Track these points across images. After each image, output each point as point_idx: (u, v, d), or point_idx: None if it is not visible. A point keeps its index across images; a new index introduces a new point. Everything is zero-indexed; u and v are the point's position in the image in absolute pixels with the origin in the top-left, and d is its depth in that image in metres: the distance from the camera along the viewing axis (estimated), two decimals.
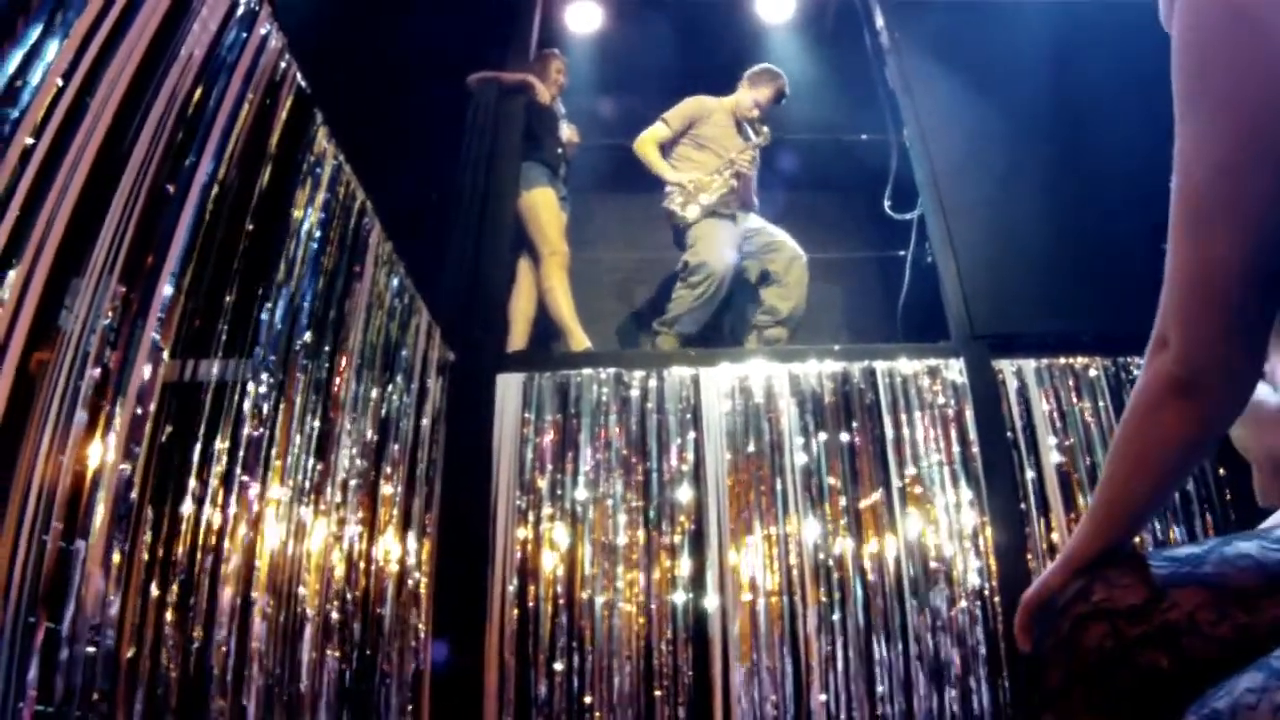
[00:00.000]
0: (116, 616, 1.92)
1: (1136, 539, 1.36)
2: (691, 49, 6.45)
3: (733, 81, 6.15)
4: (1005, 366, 4.45)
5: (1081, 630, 1.19)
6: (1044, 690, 1.21)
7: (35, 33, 1.69)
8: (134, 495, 1.99)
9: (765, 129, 5.89)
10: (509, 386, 4.52)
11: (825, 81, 6.47)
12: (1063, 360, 4.46)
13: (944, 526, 4.15)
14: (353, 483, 3.28)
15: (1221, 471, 4.19)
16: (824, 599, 4.05)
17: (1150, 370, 1.18)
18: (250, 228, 2.59)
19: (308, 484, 2.95)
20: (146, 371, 2.04)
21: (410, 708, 3.63)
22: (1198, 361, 1.13)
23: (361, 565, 3.33)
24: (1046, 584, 1.31)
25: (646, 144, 5.82)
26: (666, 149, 5.84)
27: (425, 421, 4.03)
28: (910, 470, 4.26)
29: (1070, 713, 1.17)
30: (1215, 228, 1.11)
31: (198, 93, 2.26)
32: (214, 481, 2.45)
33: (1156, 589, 1.17)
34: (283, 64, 2.73)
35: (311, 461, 2.98)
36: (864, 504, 4.22)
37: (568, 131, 5.88)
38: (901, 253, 5.70)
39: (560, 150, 5.75)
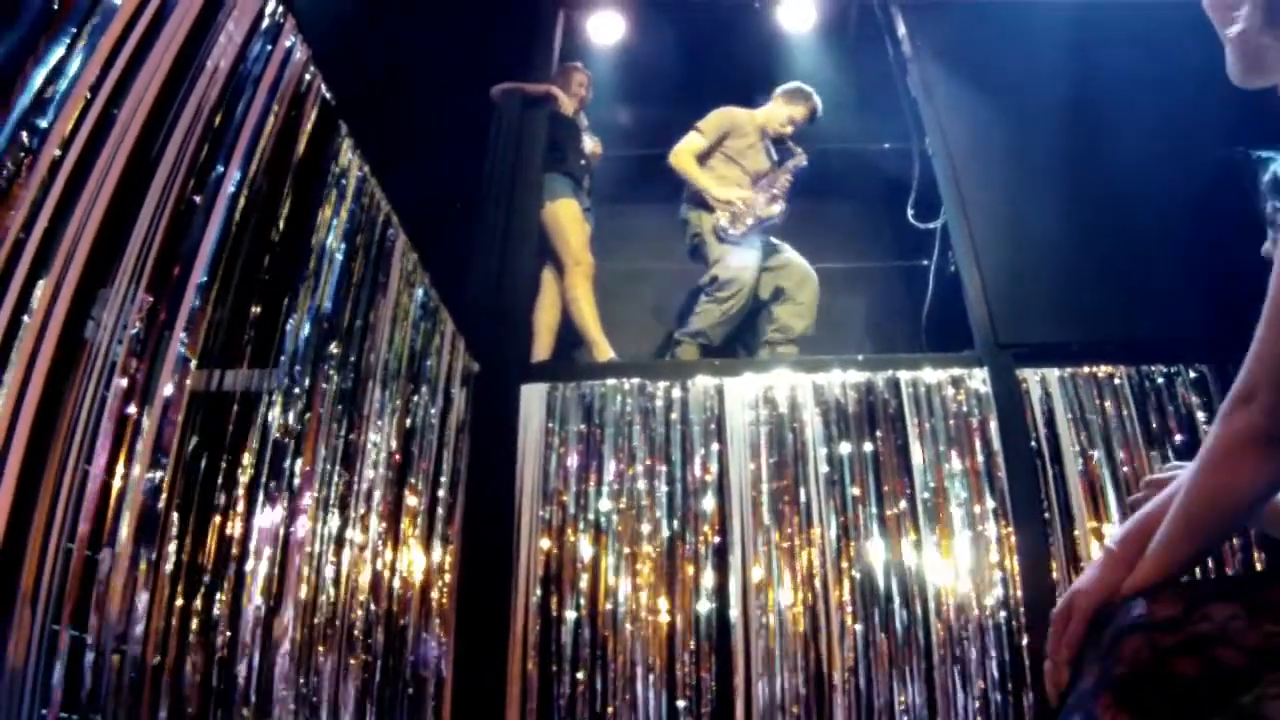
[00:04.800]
0: (142, 624, 1.93)
1: None
2: (714, 58, 6.45)
3: (754, 91, 6.15)
4: (1029, 376, 4.43)
5: (1120, 641, 1.23)
6: (1077, 693, 1.26)
7: (63, 45, 1.71)
8: (160, 504, 2.00)
9: (800, 151, 5.89)
10: (533, 397, 4.53)
11: (847, 90, 6.45)
12: (1086, 369, 4.44)
13: (967, 536, 4.13)
14: (377, 492, 3.30)
15: None
16: (847, 609, 4.04)
17: (1233, 422, 1.26)
18: (276, 239, 2.60)
19: (332, 493, 2.96)
20: (173, 382, 2.05)
21: (432, 717, 3.64)
22: None
23: (385, 574, 3.34)
24: (1104, 597, 1.36)
25: (685, 157, 5.74)
26: (699, 160, 5.81)
27: (449, 432, 4.04)
28: (934, 480, 4.24)
29: (1097, 716, 1.20)
30: None
31: (224, 105, 2.28)
32: (239, 491, 2.47)
33: (1193, 603, 1.21)
34: (308, 76, 2.75)
35: (336, 471, 2.99)
36: (888, 514, 4.20)
37: (590, 144, 5.88)
38: (925, 262, 5.68)
39: (584, 162, 5.75)
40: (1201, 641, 1.16)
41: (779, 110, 6.00)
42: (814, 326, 5.52)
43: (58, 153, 1.70)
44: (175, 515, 2.10)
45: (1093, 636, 1.32)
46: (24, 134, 1.63)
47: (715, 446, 4.41)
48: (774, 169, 5.87)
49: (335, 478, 2.98)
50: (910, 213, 5.70)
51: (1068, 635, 1.39)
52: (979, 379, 4.42)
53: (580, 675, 3.98)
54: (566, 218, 5.44)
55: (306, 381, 2.83)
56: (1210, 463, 1.29)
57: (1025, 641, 3.91)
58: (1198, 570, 3.85)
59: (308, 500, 2.79)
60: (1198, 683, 1.15)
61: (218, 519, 2.35)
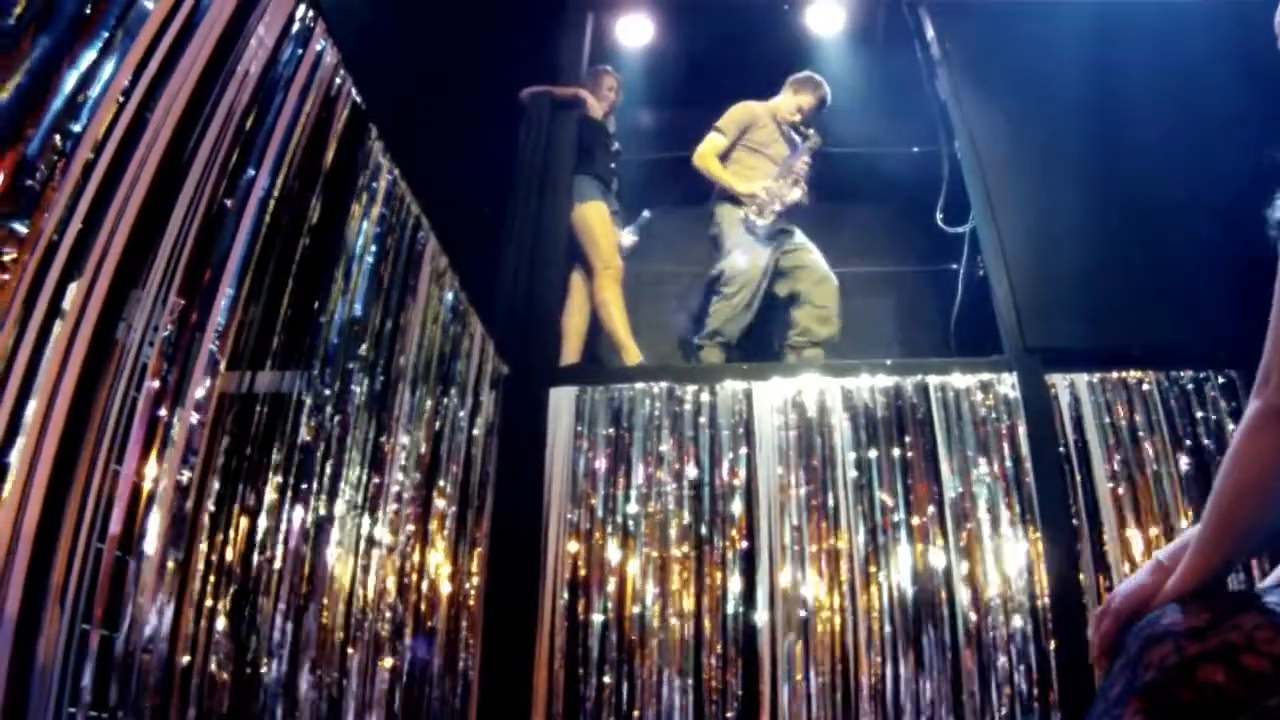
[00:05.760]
0: (171, 625, 1.94)
1: None
2: (742, 61, 6.44)
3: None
4: (1058, 381, 4.40)
5: (1147, 650, 1.26)
6: (1105, 700, 1.28)
7: (96, 49, 1.72)
8: (190, 505, 2.01)
9: (813, 132, 5.88)
10: (562, 400, 4.54)
11: (875, 93, 6.43)
12: (1115, 374, 4.41)
13: (995, 542, 4.10)
14: (406, 494, 3.31)
15: None
16: (875, 615, 4.02)
17: (1254, 404, 1.33)
18: (306, 241, 2.61)
19: (362, 495, 2.97)
20: (204, 383, 2.06)
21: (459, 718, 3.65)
22: None
23: (413, 576, 3.35)
24: (1140, 601, 1.41)
25: (708, 157, 5.79)
26: (722, 158, 5.84)
27: (478, 434, 4.05)
28: (962, 485, 4.22)
29: None
30: None
31: (255, 108, 2.29)
32: (269, 492, 2.48)
33: (1220, 613, 1.24)
34: (338, 79, 2.76)
35: (366, 473, 3.00)
36: (916, 519, 4.18)
37: (632, 235, 5.87)
38: (954, 266, 5.65)
39: (613, 165, 5.76)
40: (1228, 650, 1.18)
41: (788, 99, 6.04)
42: (840, 331, 5.50)
43: (91, 156, 1.71)
44: (205, 516, 2.12)
45: (1123, 645, 1.33)
46: (57, 137, 1.64)
47: (743, 451, 4.41)
48: (793, 155, 5.88)
49: (364, 480, 2.99)
50: (939, 217, 5.67)
51: (1099, 634, 1.41)
52: (1008, 384, 4.40)
53: (607, 679, 3.98)
54: (595, 220, 5.45)
55: (336, 384, 2.84)
56: (1234, 446, 1.34)
57: (1052, 647, 3.88)
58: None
59: (337, 502, 2.80)
60: (1224, 689, 1.16)
61: (247, 520, 2.36)
